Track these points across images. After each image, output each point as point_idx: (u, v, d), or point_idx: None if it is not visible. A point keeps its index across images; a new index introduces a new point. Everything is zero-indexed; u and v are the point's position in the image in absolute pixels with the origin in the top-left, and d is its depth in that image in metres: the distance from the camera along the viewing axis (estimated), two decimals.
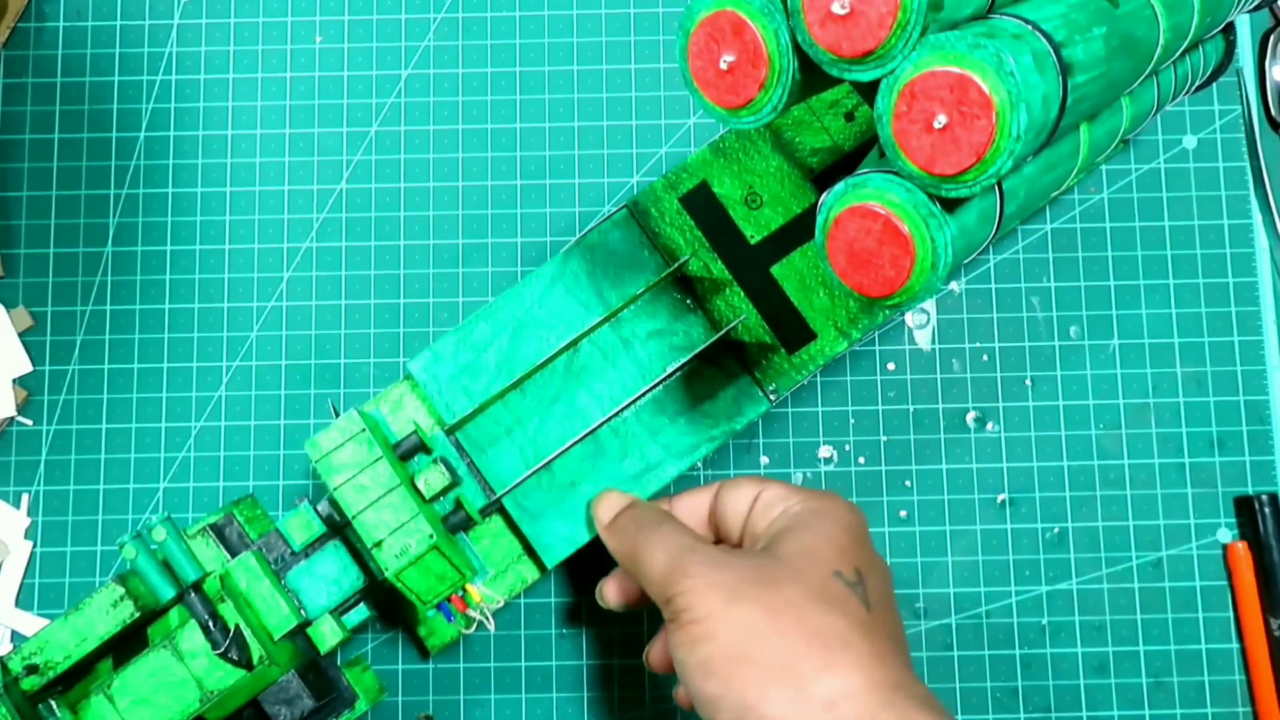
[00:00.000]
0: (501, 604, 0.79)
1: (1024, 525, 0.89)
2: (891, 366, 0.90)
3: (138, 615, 0.71)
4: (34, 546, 0.89)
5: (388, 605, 0.85)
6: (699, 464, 0.89)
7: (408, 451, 0.77)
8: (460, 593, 0.76)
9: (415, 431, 0.77)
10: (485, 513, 0.79)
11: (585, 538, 0.79)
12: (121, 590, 0.71)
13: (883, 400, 0.90)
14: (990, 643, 0.88)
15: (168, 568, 0.72)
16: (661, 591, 0.68)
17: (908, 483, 0.89)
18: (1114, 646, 0.87)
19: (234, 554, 0.76)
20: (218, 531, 0.77)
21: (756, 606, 0.64)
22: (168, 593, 0.72)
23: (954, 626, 0.88)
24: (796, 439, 0.90)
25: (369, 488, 0.73)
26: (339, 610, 0.75)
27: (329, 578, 0.74)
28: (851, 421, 0.90)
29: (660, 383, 0.79)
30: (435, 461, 0.75)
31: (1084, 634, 0.88)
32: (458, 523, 0.76)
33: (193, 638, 0.72)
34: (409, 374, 0.81)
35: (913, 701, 0.62)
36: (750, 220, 0.80)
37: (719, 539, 0.76)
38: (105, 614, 0.71)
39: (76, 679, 0.73)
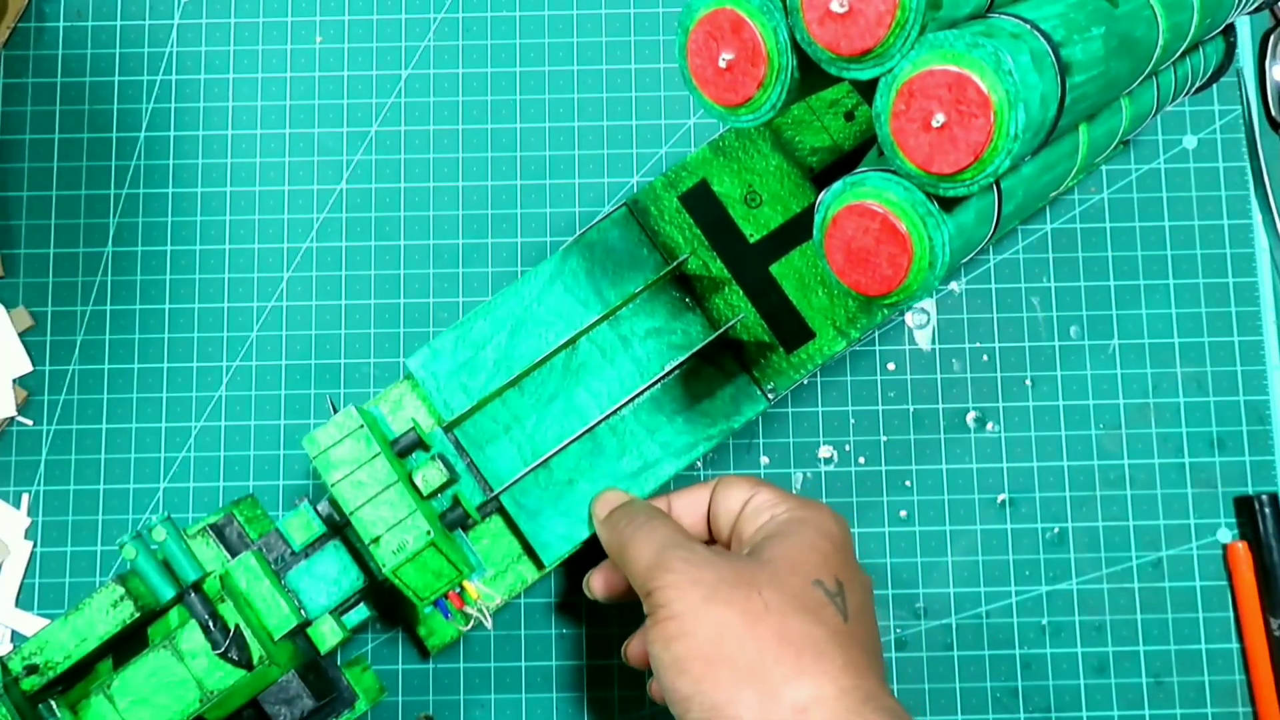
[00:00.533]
0: (500, 602, 0.79)
1: (1024, 525, 0.89)
2: (891, 366, 0.90)
3: (138, 615, 0.71)
4: (34, 546, 0.89)
5: (388, 605, 0.86)
6: (697, 463, 0.89)
7: (406, 448, 0.77)
8: (458, 590, 0.76)
9: (414, 429, 0.77)
10: (483, 510, 0.79)
11: (583, 535, 0.79)
12: (121, 590, 0.71)
13: (883, 400, 0.90)
14: (990, 643, 0.88)
15: (168, 568, 0.72)
16: (643, 585, 0.68)
17: (908, 483, 0.89)
18: (1114, 646, 0.87)
19: (234, 554, 0.76)
20: (218, 531, 0.77)
21: (733, 608, 0.64)
22: (168, 593, 0.72)
23: (954, 626, 0.88)
24: (796, 439, 0.90)
25: (367, 484, 0.73)
26: (339, 610, 0.75)
27: (329, 578, 0.74)
28: (851, 421, 0.90)
29: (658, 381, 0.79)
30: (433, 458, 0.75)
31: (1084, 634, 0.88)
32: (455, 520, 0.76)
33: (193, 638, 0.72)
34: (409, 373, 0.81)
35: (882, 713, 0.62)
36: (749, 219, 0.80)
37: (713, 538, 0.76)
38: (105, 614, 0.71)
39: (76, 679, 0.73)
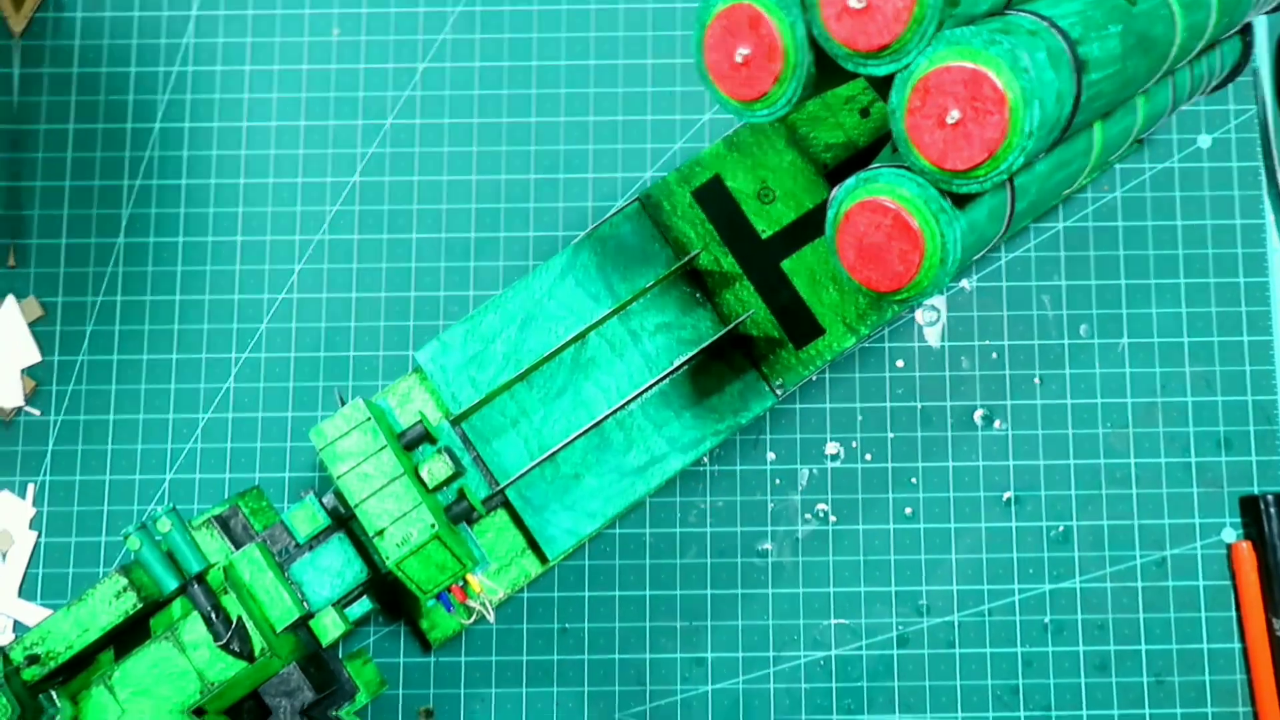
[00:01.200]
0: (502, 595, 0.79)
1: (1029, 523, 0.88)
2: (900, 364, 0.90)
3: (140, 606, 0.71)
4: (39, 537, 0.89)
5: (390, 598, 0.85)
6: (704, 458, 0.89)
7: (413, 441, 0.76)
8: (461, 583, 0.76)
9: (421, 422, 0.77)
10: (488, 503, 0.79)
11: (587, 530, 0.79)
12: (125, 581, 0.71)
13: (891, 397, 0.90)
14: (992, 640, 0.87)
15: (172, 559, 0.72)
16: None
17: (914, 480, 0.89)
18: (1116, 645, 0.87)
19: (238, 546, 0.76)
20: (223, 523, 0.76)
21: None
22: (171, 584, 0.72)
23: (956, 624, 0.87)
24: (804, 435, 0.89)
25: (372, 476, 0.72)
26: (342, 603, 0.75)
27: (333, 570, 0.74)
28: (859, 418, 0.90)
29: (667, 376, 0.79)
30: (440, 451, 0.75)
31: (1086, 633, 0.87)
32: (460, 513, 0.76)
33: (195, 629, 0.71)
34: (417, 366, 0.80)
35: None
36: (762, 215, 0.80)
37: None
38: (108, 605, 0.71)
39: (78, 669, 0.73)
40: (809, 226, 0.80)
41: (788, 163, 0.80)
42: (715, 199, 0.80)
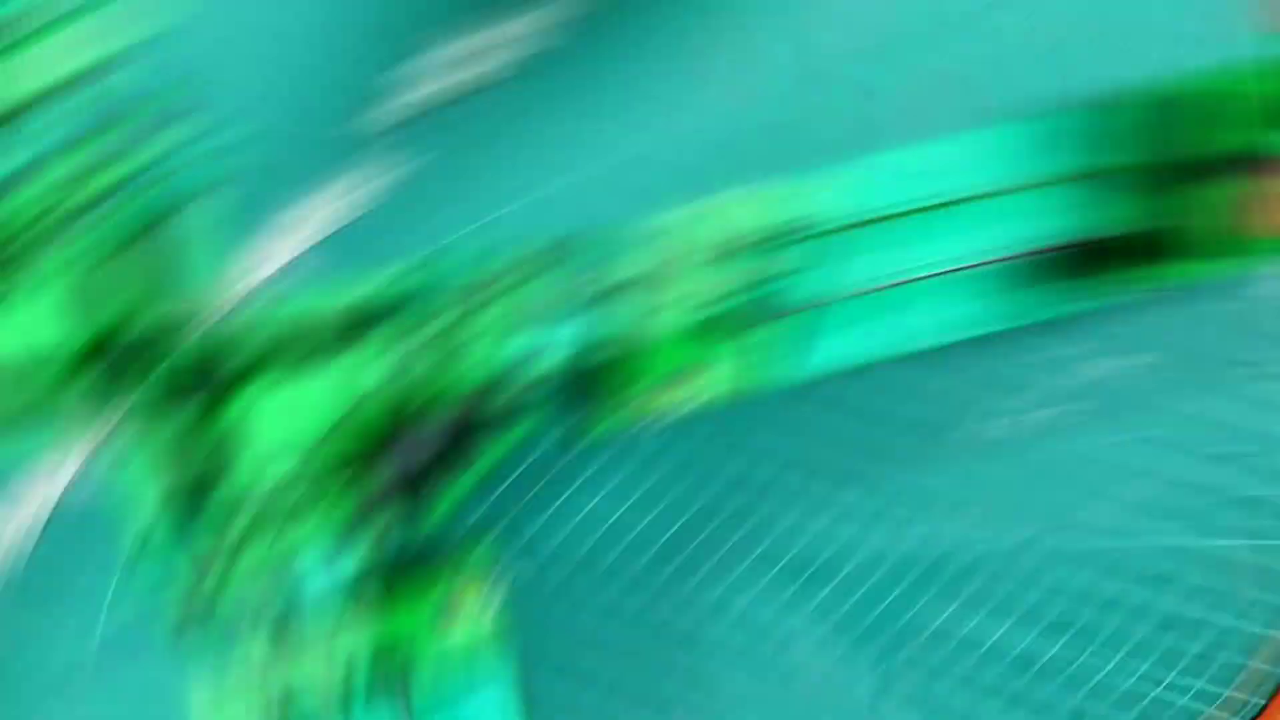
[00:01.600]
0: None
1: (1229, 481, 0.85)
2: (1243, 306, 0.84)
3: None
4: None
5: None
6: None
7: None
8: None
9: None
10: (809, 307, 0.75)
11: (845, 363, 0.77)
12: None
13: (1216, 334, 0.84)
14: (1102, 574, 0.85)
15: None
16: None
17: (1157, 414, 0.84)
18: (1201, 613, 0.85)
19: None
20: None
21: None
22: None
23: (1087, 552, 0.85)
24: (1083, 352, 0.84)
25: None
26: None
27: None
28: (1163, 338, 0.84)
29: (1048, 250, 0.76)
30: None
31: (1186, 591, 0.85)
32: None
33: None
34: None
35: None
36: None
37: None
38: None
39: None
40: None
41: None
42: None
